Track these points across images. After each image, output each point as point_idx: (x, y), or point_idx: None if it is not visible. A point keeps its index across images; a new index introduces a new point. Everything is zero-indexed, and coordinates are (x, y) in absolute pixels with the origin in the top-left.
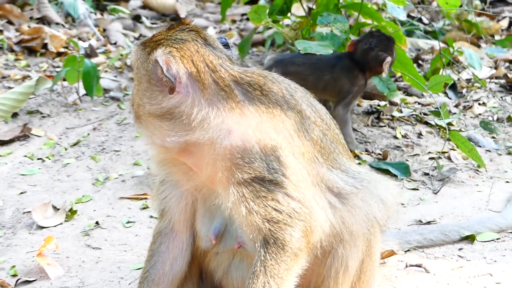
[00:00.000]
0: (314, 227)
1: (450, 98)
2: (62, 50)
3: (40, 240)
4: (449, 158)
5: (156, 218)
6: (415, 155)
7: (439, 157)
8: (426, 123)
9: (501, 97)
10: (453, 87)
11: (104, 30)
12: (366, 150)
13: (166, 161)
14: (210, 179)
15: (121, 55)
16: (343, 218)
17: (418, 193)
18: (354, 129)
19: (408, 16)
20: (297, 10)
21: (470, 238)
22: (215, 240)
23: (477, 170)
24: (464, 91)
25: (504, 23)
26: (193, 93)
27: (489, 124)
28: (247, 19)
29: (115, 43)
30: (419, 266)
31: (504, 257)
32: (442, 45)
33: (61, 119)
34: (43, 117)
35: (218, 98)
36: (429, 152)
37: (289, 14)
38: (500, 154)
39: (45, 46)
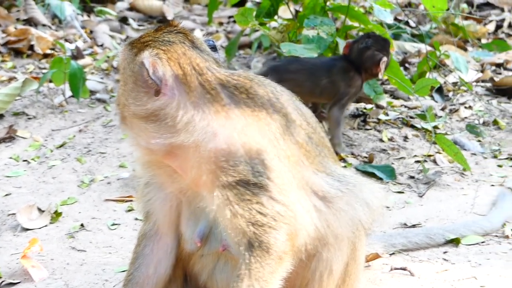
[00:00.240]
0: (299, 230)
1: (436, 102)
2: (48, 51)
3: (24, 242)
4: (434, 161)
5: (141, 220)
6: (401, 158)
7: (425, 160)
8: (412, 126)
9: (487, 101)
10: (440, 90)
11: (91, 32)
12: (352, 153)
13: (151, 163)
14: (195, 181)
15: (108, 57)
16: (328, 222)
17: (404, 196)
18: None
19: (395, 19)
20: (284, 12)
21: (455, 242)
22: (200, 242)
23: (463, 174)
24: (450, 94)
25: (491, 27)
26: (179, 96)
27: (475, 127)
28: (234, 21)
29: (101, 45)
30: (404, 269)
31: (489, 261)
32: (429, 48)
33: (47, 120)
34: (29, 118)
35: (204, 101)
36: (415, 155)
37: (276, 17)
38: (486, 158)
39: (31, 47)
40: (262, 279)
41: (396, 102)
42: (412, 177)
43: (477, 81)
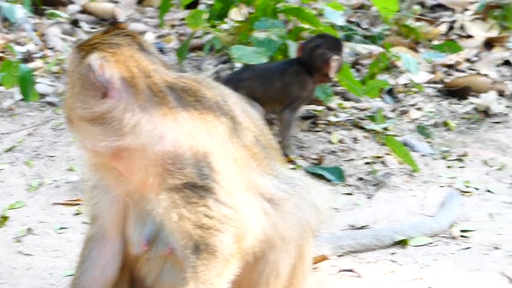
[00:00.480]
0: (246, 233)
1: (387, 103)
2: None
3: None
4: (384, 163)
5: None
6: (350, 160)
7: (374, 162)
8: (362, 128)
9: (438, 102)
10: (390, 92)
11: (42, 34)
12: (302, 155)
13: (98, 165)
14: (142, 184)
15: (59, 60)
16: (275, 224)
17: (353, 198)
18: None
19: (348, 21)
20: (236, 15)
21: (403, 243)
22: (147, 246)
23: (412, 175)
24: (401, 96)
25: (443, 28)
26: (126, 98)
27: (425, 128)
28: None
29: (53, 48)
30: (352, 270)
31: (437, 262)
32: (380, 50)
33: None
34: None
35: (151, 103)
36: (365, 157)
37: (227, 19)
38: (435, 159)
39: None
40: (208, 282)
41: (346, 104)
42: (361, 179)
43: (428, 82)
